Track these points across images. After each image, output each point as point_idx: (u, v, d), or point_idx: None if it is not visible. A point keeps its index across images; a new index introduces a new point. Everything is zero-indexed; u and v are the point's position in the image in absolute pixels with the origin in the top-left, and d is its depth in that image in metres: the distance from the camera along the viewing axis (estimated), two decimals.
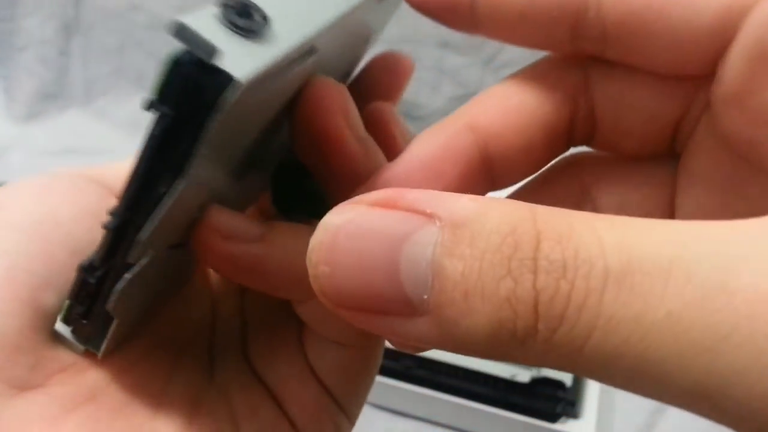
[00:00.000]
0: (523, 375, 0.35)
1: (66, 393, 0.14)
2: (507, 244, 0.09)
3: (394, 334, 0.10)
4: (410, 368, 0.37)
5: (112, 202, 0.14)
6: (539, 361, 0.10)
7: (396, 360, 0.37)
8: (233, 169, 0.14)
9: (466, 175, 0.14)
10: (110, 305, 0.14)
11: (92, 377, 0.14)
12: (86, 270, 0.14)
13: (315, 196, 0.17)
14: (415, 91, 0.71)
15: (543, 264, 0.09)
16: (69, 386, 0.14)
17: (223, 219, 0.14)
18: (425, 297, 0.10)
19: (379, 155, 0.16)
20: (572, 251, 0.09)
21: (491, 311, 0.09)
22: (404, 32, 0.70)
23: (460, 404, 0.36)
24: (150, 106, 0.12)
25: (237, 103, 0.11)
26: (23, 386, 0.14)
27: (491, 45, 0.68)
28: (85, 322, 0.14)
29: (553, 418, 0.35)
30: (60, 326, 0.15)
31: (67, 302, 0.14)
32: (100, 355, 0.15)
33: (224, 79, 0.11)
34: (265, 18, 0.12)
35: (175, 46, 0.11)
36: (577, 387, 0.36)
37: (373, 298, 0.10)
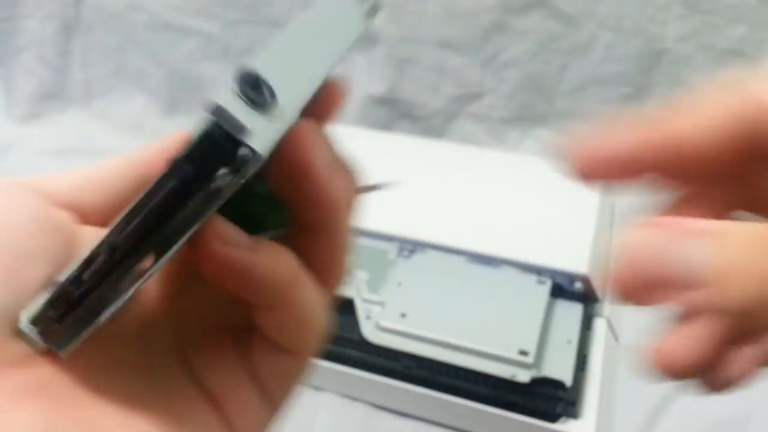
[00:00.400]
0: (523, 375, 0.35)
1: (16, 384, 0.15)
2: (755, 241, 0.16)
3: (679, 302, 0.17)
4: (410, 368, 0.37)
5: (52, 210, 0.17)
6: None
7: (396, 360, 0.37)
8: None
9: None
10: (102, 321, 0.15)
11: (39, 371, 0.15)
12: (73, 283, 0.15)
13: (255, 218, 0.19)
14: (415, 91, 0.71)
15: None
16: (18, 378, 0.15)
17: (226, 228, 0.15)
18: (701, 275, 0.16)
19: (345, 180, 0.18)
20: None
21: (750, 283, 0.15)
22: (404, 32, 0.70)
23: (460, 404, 0.36)
24: (174, 159, 0.14)
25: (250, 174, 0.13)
26: None
27: (491, 45, 0.68)
28: (57, 326, 0.15)
29: (553, 418, 0.35)
30: (26, 326, 0.16)
31: (40, 305, 0.15)
32: (65, 355, 0.15)
33: (246, 151, 0.13)
34: (272, 93, 0.14)
35: (204, 117, 0.13)
36: (577, 387, 0.36)
37: (666, 277, 0.16)
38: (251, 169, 0.13)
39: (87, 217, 0.18)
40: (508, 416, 0.35)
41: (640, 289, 0.17)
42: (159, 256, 0.15)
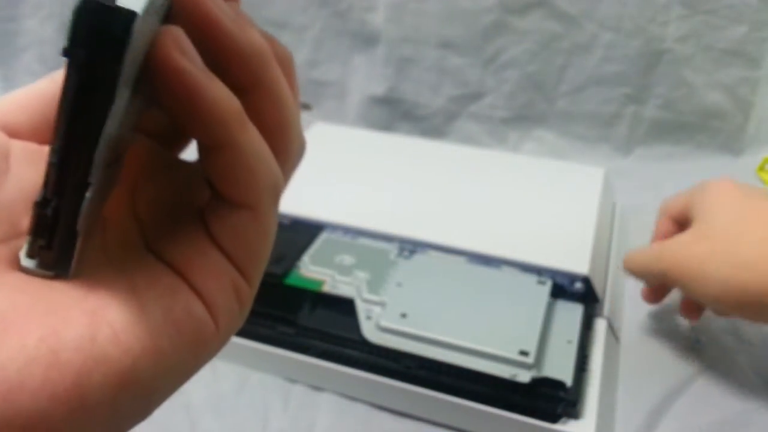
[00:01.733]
0: (523, 375, 0.35)
1: None
2: None
3: None
4: (410, 368, 0.37)
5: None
6: None
7: (396, 360, 0.37)
8: (131, 88, 0.16)
9: None
10: (79, 225, 0.15)
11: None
12: (41, 205, 0.15)
13: None
14: (416, 91, 0.71)
15: None
16: None
17: (183, 37, 0.15)
18: None
19: (258, 34, 0.18)
20: None
21: None
22: (404, 32, 0.70)
23: (460, 404, 0.36)
24: (66, 52, 0.14)
25: (136, 33, 0.14)
26: None
27: (491, 45, 0.68)
28: (49, 251, 0.16)
29: (553, 418, 0.35)
30: (25, 261, 0.16)
31: (28, 238, 0.16)
32: (69, 275, 0.16)
33: (125, 15, 0.14)
34: None
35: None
36: (578, 387, 0.36)
37: None
38: (135, 29, 0.14)
39: (16, 134, 0.18)
40: (508, 416, 0.35)
41: None
42: (96, 143, 0.15)
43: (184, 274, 0.17)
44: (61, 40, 0.78)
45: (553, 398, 0.35)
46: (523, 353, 0.36)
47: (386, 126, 0.72)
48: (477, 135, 0.71)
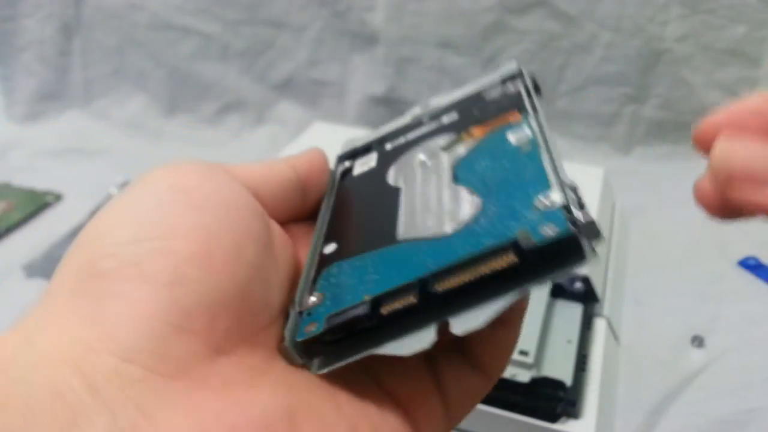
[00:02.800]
0: (523, 375, 0.35)
1: (254, 360, 0.16)
2: None
3: None
4: None
5: (252, 197, 0.19)
6: None
7: None
8: None
9: None
10: (377, 353, 0.16)
11: (262, 353, 0.17)
12: (368, 310, 0.16)
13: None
14: (415, 91, 0.71)
15: None
16: (257, 354, 0.16)
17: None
18: None
19: None
20: None
21: None
22: (404, 32, 0.70)
23: None
24: (525, 244, 0.15)
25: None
26: (219, 350, 0.16)
27: (491, 45, 0.68)
28: (325, 347, 0.17)
29: (553, 418, 0.35)
30: (290, 342, 0.17)
31: (317, 329, 0.16)
32: (318, 373, 0.17)
33: (579, 259, 0.15)
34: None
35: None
36: (578, 387, 0.36)
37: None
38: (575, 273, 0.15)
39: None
40: (508, 416, 0.35)
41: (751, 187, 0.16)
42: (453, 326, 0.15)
43: (406, 410, 0.18)
44: (61, 40, 0.77)
45: (552, 398, 0.35)
46: (523, 353, 0.36)
47: None
48: None
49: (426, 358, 0.19)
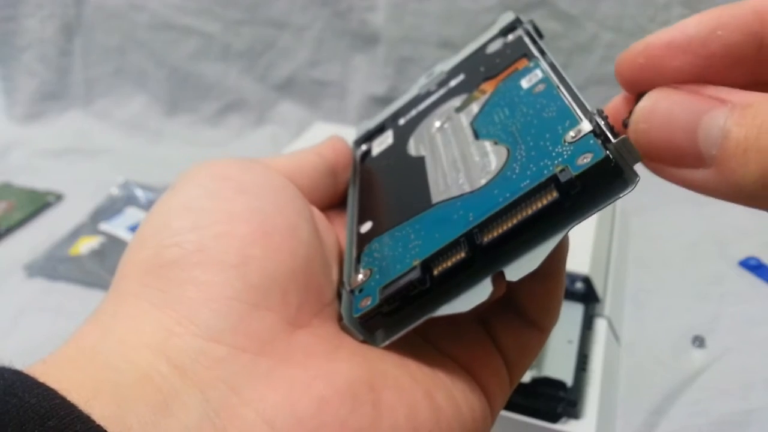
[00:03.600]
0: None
1: (327, 333, 0.17)
2: None
3: (684, 182, 0.14)
4: None
5: (292, 184, 0.19)
6: None
7: None
8: None
9: (735, 58, 0.15)
10: (437, 315, 0.16)
11: (332, 325, 0.17)
12: (420, 278, 0.16)
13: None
14: None
15: None
16: (327, 328, 0.17)
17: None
18: (713, 153, 0.13)
19: None
20: None
21: (763, 162, 0.12)
22: (404, 32, 0.70)
23: None
24: (564, 177, 0.15)
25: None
26: (295, 324, 0.16)
27: None
28: (386, 318, 0.17)
29: (553, 418, 0.35)
30: (348, 320, 0.17)
31: (373, 302, 0.17)
32: (382, 346, 0.17)
33: (621, 184, 0.15)
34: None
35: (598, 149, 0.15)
36: (578, 387, 0.36)
37: (674, 150, 0.14)
38: (619, 197, 0.15)
39: None
40: (508, 416, 0.35)
41: (655, 151, 0.14)
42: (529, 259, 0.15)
43: (472, 373, 0.18)
44: (61, 40, 0.77)
45: (553, 398, 0.35)
46: None
47: None
48: None
49: (481, 321, 0.19)
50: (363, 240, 0.19)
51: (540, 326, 0.19)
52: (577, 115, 0.16)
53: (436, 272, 0.16)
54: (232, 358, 0.14)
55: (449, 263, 0.16)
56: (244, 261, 0.16)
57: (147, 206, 0.60)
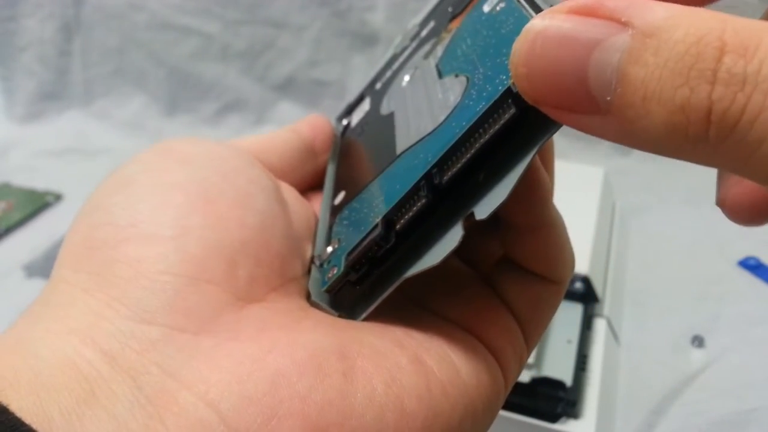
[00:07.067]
0: (523, 375, 0.35)
1: (288, 307, 0.15)
2: (690, 54, 0.10)
3: (582, 128, 0.11)
4: None
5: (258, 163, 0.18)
6: (708, 162, 0.11)
7: None
8: None
9: None
10: (407, 274, 0.14)
11: (297, 300, 0.16)
12: (381, 239, 0.14)
13: None
14: None
15: (722, 76, 0.10)
16: (289, 302, 0.15)
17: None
18: (608, 99, 0.10)
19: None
20: (756, 66, 0.09)
21: (665, 116, 0.10)
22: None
23: None
24: (509, 96, 0.13)
25: None
26: (246, 299, 0.15)
27: None
28: (356, 287, 0.15)
29: (553, 418, 0.35)
30: (317, 296, 0.16)
31: (339, 271, 0.15)
32: (360, 319, 0.15)
33: None
34: None
35: None
36: (578, 387, 0.36)
37: (563, 97, 0.11)
38: None
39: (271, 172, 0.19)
40: (508, 416, 0.35)
41: (542, 90, 0.11)
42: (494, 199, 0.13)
43: (478, 334, 0.16)
44: (61, 40, 0.77)
45: (552, 398, 0.35)
46: None
47: None
48: None
49: (485, 280, 0.18)
50: (336, 211, 0.18)
51: (551, 278, 0.17)
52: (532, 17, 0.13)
53: (398, 226, 0.14)
54: (167, 339, 0.13)
55: (411, 213, 0.14)
56: (181, 232, 0.15)
57: None
